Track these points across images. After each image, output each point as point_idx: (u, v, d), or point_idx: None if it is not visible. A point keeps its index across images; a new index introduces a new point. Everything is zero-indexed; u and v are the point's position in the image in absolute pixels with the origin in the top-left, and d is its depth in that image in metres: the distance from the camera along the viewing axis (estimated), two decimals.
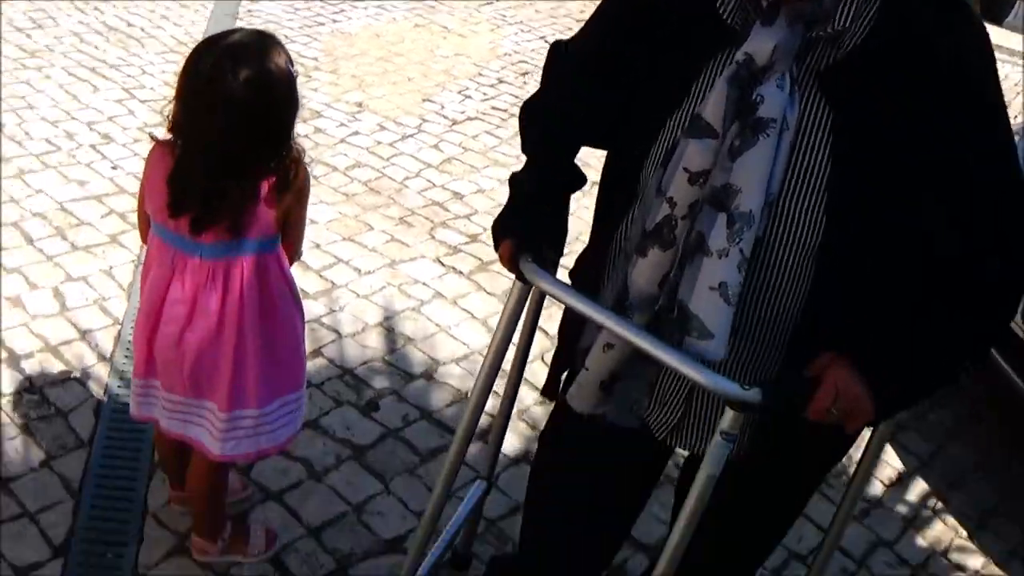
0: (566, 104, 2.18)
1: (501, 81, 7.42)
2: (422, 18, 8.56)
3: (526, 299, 2.20)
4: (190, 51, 2.53)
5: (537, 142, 2.21)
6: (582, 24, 2.22)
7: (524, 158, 2.22)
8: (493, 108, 6.90)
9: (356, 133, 6.16)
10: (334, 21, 8.16)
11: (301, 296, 2.85)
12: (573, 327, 2.21)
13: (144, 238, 2.80)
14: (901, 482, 4.01)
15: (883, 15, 1.77)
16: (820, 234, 1.83)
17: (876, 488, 3.93)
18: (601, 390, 2.08)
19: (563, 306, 2.09)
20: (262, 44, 2.54)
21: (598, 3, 2.21)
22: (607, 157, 2.18)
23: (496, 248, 2.11)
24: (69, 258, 4.51)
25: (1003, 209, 1.83)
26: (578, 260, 2.28)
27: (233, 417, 2.76)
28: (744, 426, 1.88)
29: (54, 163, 5.29)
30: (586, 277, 2.19)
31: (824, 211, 1.81)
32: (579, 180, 2.18)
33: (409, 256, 4.89)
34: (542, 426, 2.60)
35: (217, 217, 2.53)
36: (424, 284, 4.67)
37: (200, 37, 7.13)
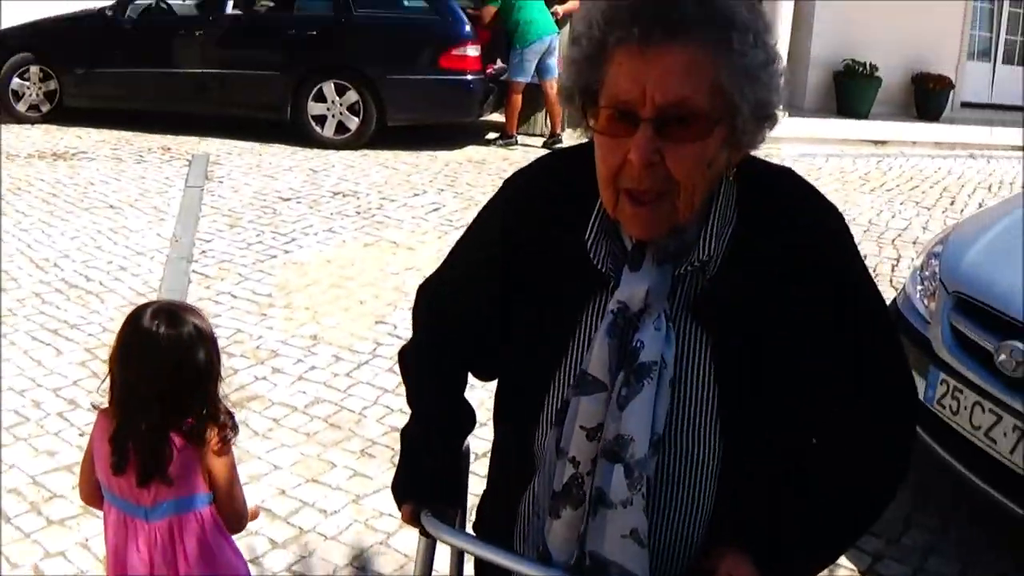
0: (441, 349, 2.23)
1: None
2: (371, 236, 8.82)
3: (434, 551, 2.19)
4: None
5: (418, 391, 2.27)
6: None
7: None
8: None
9: (313, 368, 6.31)
10: (286, 252, 8.41)
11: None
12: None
13: (83, 496, 3.14)
14: None
15: (739, 233, 1.86)
16: (719, 456, 1.89)
17: None
18: None
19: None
20: (186, 306, 2.97)
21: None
22: (496, 412, 2.20)
23: (398, 508, 2.16)
24: (45, 534, 4.63)
25: (886, 375, 1.94)
26: (481, 507, 2.29)
27: None
28: None
29: (24, 435, 5.42)
30: (494, 525, 2.19)
31: (719, 434, 1.88)
32: (470, 420, 2.22)
33: (373, 488, 5.00)
34: None
35: (156, 466, 2.80)
36: (389, 515, 4.78)
37: (156, 286, 7.39)
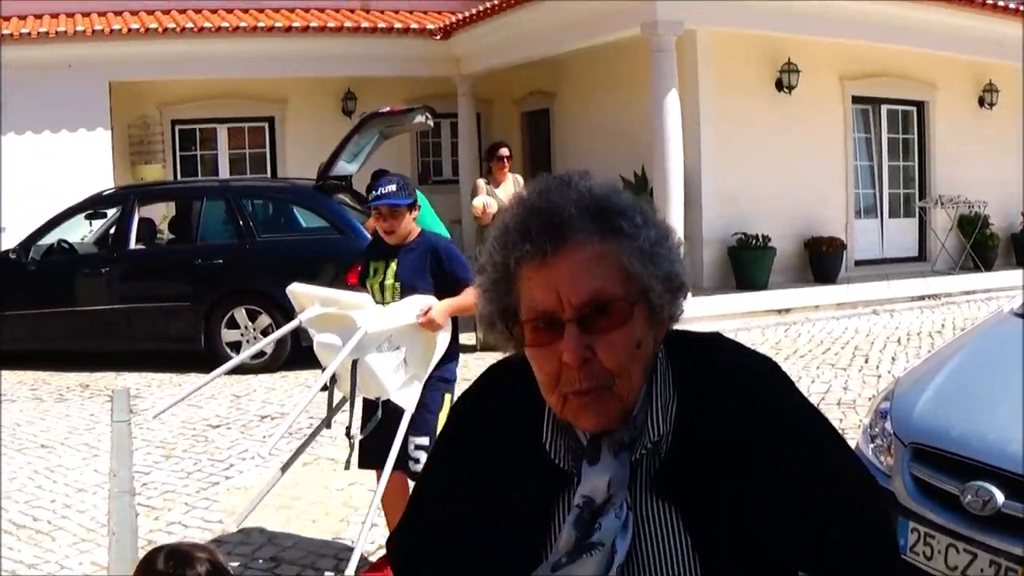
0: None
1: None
2: (308, 455, 8.82)
3: None
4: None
5: None
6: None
7: None
8: None
9: None
10: (227, 478, 8.49)
11: None
12: None
13: None
14: None
15: (684, 406, 1.90)
16: None
17: None
18: None
19: None
20: (201, 546, 3.04)
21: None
22: None
23: None
24: None
25: (860, 516, 1.96)
26: None
27: None
28: None
29: None
30: None
31: None
32: None
33: None
34: None
35: None
36: None
37: (104, 521, 7.39)
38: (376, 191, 6.15)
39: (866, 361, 12.11)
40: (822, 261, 18.13)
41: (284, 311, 12.49)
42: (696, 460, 1.86)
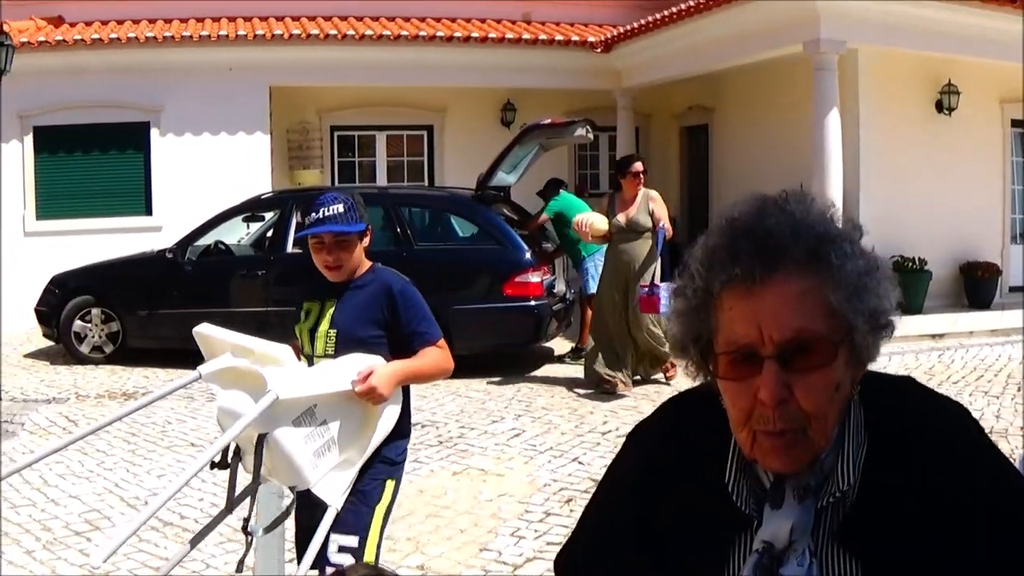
0: None
1: (548, 514, 7.56)
2: (458, 464, 8.76)
3: None
4: None
5: None
6: (588, 504, 2.18)
7: None
8: (548, 544, 6.99)
9: None
10: None
11: None
12: None
13: None
14: None
15: (874, 455, 1.79)
16: None
17: None
18: None
19: None
20: (382, 572, 2.76)
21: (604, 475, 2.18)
22: None
23: None
24: None
25: None
26: None
27: None
28: None
29: None
30: None
31: None
32: None
33: None
34: None
35: None
36: None
37: (253, 522, 7.29)
38: (315, 213, 4.66)
39: (1019, 389, 11.64)
40: (977, 287, 17.52)
41: (439, 318, 12.42)
42: (884, 512, 1.74)
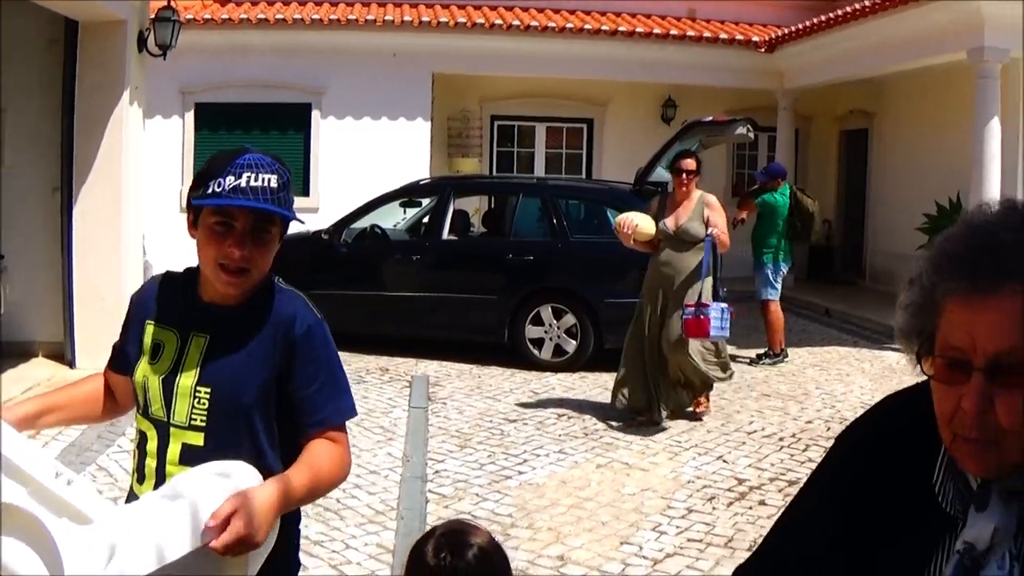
0: None
1: (690, 511, 7.51)
2: (602, 457, 8.75)
3: None
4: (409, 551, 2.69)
5: None
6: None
7: None
8: (689, 540, 6.96)
9: None
10: (520, 473, 8.38)
11: None
12: None
13: None
14: None
15: None
16: None
17: None
18: None
19: None
20: (471, 526, 2.76)
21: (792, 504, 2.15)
22: None
23: None
24: None
25: None
26: None
27: None
28: None
29: None
30: None
31: None
32: None
33: None
34: None
35: None
36: None
37: (394, 504, 7.38)
38: (230, 176, 2.88)
39: None
40: None
41: (591, 311, 12.50)
42: None
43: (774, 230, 13.46)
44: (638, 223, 9.77)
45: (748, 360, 13.50)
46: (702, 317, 9.35)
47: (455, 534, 2.69)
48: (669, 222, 9.90)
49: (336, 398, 2.98)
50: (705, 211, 9.84)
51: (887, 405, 2.05)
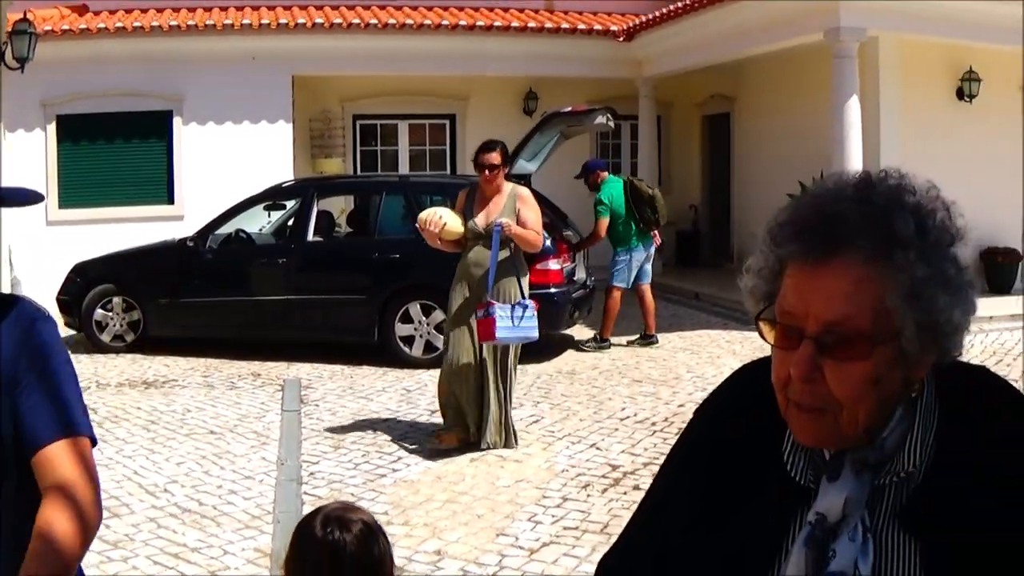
0: None
1: (565, 499, 7.57)
2: (476, 451, 8.75)
3: None
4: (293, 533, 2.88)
5: None
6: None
7: None
8: (565, 528, 7.01)
9: None
10: (394, 471, 8.37)
11: None
12: None
13: None
14: None
15: (943, 439, 1.77)
16: None
17: None
18: None
19: None
20: (354, 506, 2.99)
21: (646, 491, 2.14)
22: None
23: None
24: None
25: None
26: None
27: None
28: None
29: None
30: None
31: None
32: None
33: None
34: None
35: None
36: None
37: (270, 508, 7.34)
38: None
39: None
40: (997, 272, 17.58)
41: None
42: (950, 497, 1.72)
43: (616, 220, 13.58)
44: (446, 221, 8.89)
45: (624, 344, 13.73)
46: (488, 318, 8.61)
47: (341, 509, 2.89)
48: (479, 220, 8.99)
49: (83, 412, 2.37)
50: (517, 205, 9.02)
51: (744, 374, 2.05)
